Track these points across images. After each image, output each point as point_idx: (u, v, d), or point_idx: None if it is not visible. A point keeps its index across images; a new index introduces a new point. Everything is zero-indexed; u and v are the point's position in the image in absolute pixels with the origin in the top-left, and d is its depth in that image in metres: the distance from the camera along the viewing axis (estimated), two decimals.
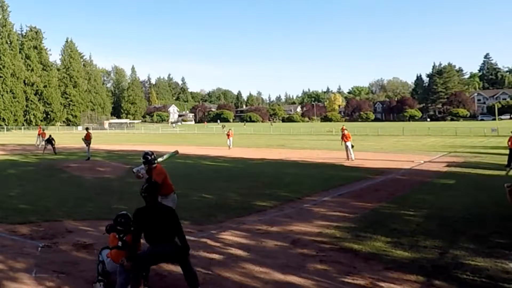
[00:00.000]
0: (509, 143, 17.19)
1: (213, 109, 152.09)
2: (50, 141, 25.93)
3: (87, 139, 21.99)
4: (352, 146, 20.63)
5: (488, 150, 25.24)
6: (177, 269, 5.55)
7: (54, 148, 25.78)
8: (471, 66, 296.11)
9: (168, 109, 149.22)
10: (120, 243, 4.89)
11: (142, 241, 4.75)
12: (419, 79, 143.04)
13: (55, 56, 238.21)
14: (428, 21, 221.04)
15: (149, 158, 6.65)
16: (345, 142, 20.79)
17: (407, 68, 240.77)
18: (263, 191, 11.71)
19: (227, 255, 6.20)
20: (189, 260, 4.69)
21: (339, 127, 42.48)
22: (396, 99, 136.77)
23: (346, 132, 21.25)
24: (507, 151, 17.31)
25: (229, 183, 13.34)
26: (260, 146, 32.93)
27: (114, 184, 13.34)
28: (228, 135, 30.51)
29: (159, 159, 6.81)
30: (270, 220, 8.40)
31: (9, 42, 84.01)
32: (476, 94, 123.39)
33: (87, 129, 22.91)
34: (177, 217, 4.68)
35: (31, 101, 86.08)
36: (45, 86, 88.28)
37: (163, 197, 6.35)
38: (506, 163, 16.57)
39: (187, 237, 7.11)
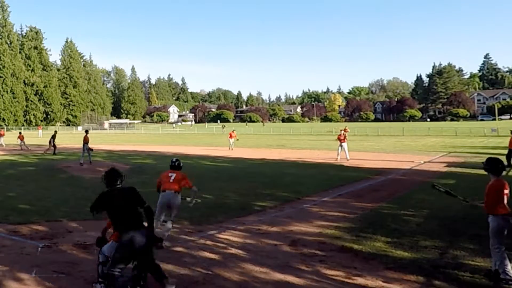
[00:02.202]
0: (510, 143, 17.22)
1: (213, 109, 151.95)
2: (51, 140, 25.84)
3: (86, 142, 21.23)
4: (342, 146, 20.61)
5: (488, 150, 25.23)
6: (177, 269, 5.56)
7: (54, 147, 25.69)
8: (471, 66, 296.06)
9: (168, 109, 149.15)
10: None
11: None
12: (419, 79, 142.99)
13: (55, 57, 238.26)
14: (428, 21, 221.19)
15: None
16: (343, 143, 20.68)
17: (407, 68, 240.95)
18: (263, 191, 11.71)
19: (227, 255, 6.20)
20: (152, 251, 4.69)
21: (339, 127, 42.59)
22: (396, 99, 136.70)
23: (343, 133, 21.21)
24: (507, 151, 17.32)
25: (229, 183, 13.34)
26: (260, 146, 32.93)
27: None
28: (230, 135, 30.12)
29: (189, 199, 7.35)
30: (270, 220, 8.41)
31: (9, 42, 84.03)
32: (476, 94, 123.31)
33: (86, 131, 21.90)
34: (139, 194, 4.67)
35: (31, 101, 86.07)
36: (45, 86, 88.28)
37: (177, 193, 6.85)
38: (506, 163, 16.54)
39: (186, 237, 7.18)
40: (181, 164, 7.24)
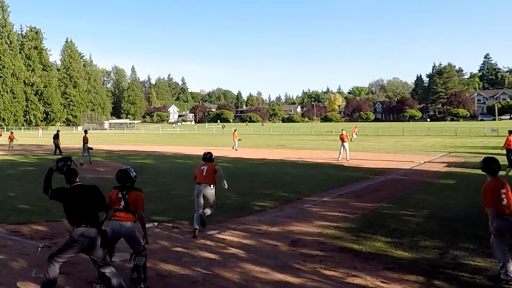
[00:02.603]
0: (506, 143, 17.21)
1: (213, 109, 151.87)
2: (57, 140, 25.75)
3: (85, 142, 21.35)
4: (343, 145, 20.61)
5: (488, 150, 25.22)
6: (177, 269, 5.56)
7: (56, 147, 25.60)
8: (471, 66, 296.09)
9: (168, 109, 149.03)
10: (122, 204, 4.98)
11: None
12: (419, 79, 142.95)
13: (55, 57, 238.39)
14: (428, 21, 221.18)
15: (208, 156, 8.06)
16: (344, 142, 20.63)
17: (407, 68, 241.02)
18: (263, 191, 11.72)
19: (227, 255, 6.20)
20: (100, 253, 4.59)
21: (339, 127, 42.52)
22: (396, 99, 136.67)
23: (345, 132, 21.18)
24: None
25: (229, 183, 13.30)
26: (260, 146, 32.94)
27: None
28: (235, 135, 30.06)
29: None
30: (270, 220, 8.41)
31: (9, 42, 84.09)
32: (476, 94, 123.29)
33: (85, 131, 22.04)
34: (99, 195, 4.74)
35: (31, 101, 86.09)
36: (45, 86, 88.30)
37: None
38: (506, 163, 16.44)
39: (186, 237, 7.17)
40: (213, 157, 7.90)
